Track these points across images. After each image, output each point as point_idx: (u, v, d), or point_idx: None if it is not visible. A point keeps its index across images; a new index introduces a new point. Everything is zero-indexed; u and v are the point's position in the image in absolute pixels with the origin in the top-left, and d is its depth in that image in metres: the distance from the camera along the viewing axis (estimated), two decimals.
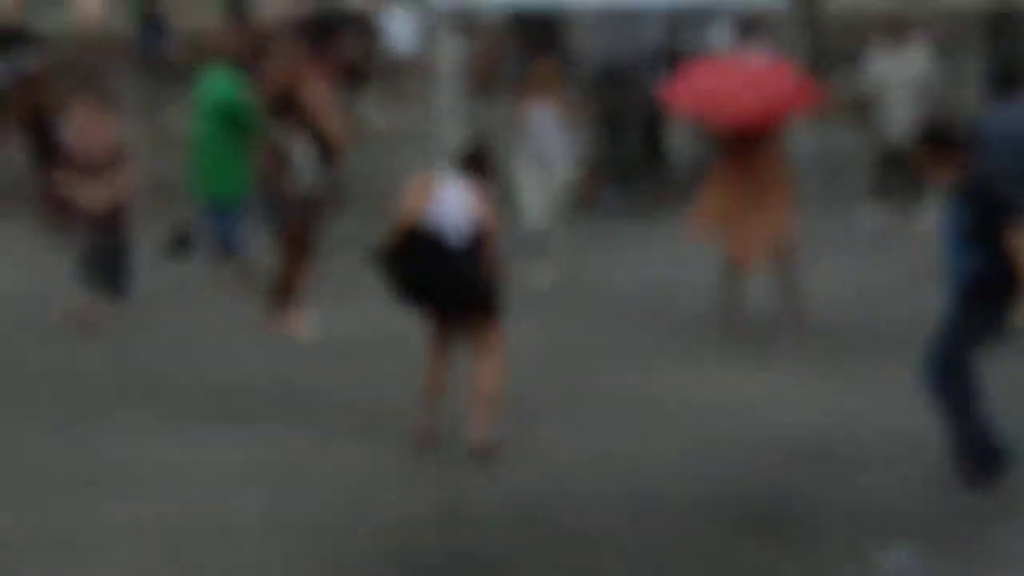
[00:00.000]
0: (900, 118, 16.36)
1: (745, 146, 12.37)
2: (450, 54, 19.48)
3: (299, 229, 12.58)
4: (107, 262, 13.00)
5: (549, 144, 13.92)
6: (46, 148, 16.07)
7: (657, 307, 13.28)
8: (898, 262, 14.39)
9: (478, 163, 9.84)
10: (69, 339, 12.66)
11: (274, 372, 11.55)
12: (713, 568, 7.93)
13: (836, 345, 12.06)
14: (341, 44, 24.64)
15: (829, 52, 24.59)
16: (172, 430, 10.28)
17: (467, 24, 19.90)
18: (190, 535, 8.45)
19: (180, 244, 15.97)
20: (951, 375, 8.92)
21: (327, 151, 12.76)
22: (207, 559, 8.13)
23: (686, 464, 9.46)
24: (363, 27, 26.98)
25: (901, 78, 16.70)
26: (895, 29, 16.90)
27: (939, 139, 9.10)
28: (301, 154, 12.52)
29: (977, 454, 8.88)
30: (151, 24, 31.57)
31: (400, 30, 29.26)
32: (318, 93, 12.82)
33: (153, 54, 30.82)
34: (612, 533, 8.42)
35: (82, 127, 12.91)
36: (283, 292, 12.67)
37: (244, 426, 10.34)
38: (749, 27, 18.44)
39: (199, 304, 13.75)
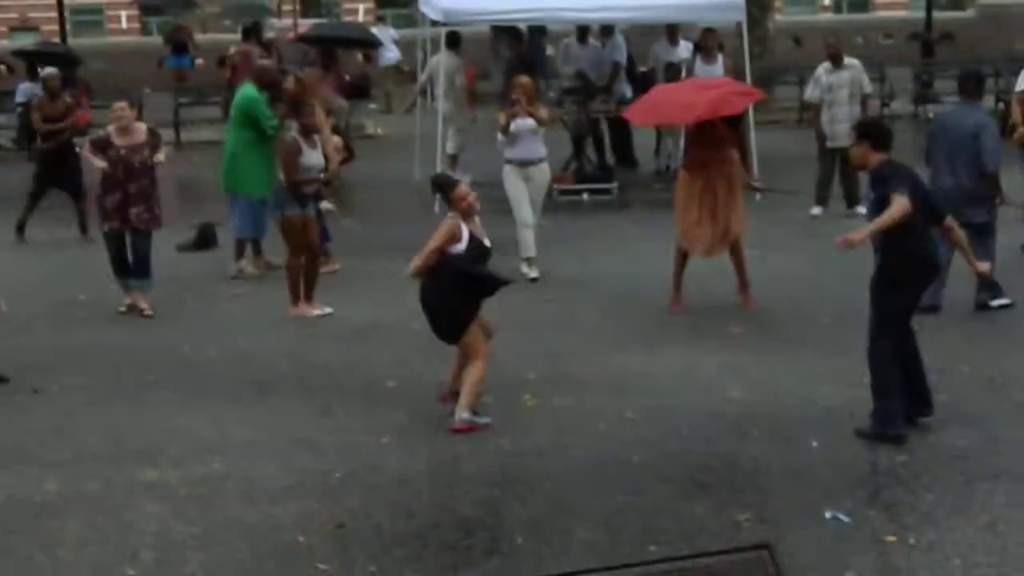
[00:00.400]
0: (841, 120, 16.61)
1: (704, 150, 12.58)
2: (438, 66, 19.58)
3: (301, 221, 12.72)
4: (137, 254, 13.04)
5: (529, 150, 13.95)
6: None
7: (623, 296, 13.36)
8: (838, 252, 14.44)
9: (440, 189, 10.15)
10: (103, 324, 12.75)
11: (288, 353, 11.66)
12: (666, 524, 8.02)
13: (782, 328, 12.17)
14: (345, 60, 24.81)
15: (776, 65, 24.72)
16: (197, 407, 10.40)
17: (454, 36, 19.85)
18: (212, 497, 8.59)
19: (204, 238, 16.14)
20: (871, 352, 9.25)
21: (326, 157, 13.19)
22: (227, 517, 8.28)
23: (642, 432, 9.57)
24: (363, 43, 27.00)
25: (841, 89, 16.94)
26: (834, 53, 17.09)
27: (869, 136, 9.30)
28: (308, 155, 12.72)
29: (883, 421, 9.15)
30: (176, 43, 31.67)
31: (386, 43, 29.28)
32: (320, 111, 13.32)
33: (177, 70, 30.95)
34: (576, 491, 8.54)
35: (118, 131, 12.91)
36: (294, 279, 12.83)
37: (260, 403, 10.47)
38: (707, 44, 18.62)
39: (221, 292, 13.86)
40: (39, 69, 25.11)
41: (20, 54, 26.75)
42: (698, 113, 12.52)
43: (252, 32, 25.20)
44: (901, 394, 9.22)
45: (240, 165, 14.22)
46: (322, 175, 13.07)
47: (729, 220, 12.60)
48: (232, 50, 25.95)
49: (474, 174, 19.39)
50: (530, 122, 13.85)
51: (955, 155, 12.26)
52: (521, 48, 20.92)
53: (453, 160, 19.68)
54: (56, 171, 16.82)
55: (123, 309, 13.03)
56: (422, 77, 21.08)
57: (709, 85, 13.96)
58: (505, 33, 21.91)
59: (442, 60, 19.76)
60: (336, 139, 15.19)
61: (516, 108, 13.86)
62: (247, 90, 14.45)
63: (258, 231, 14.49)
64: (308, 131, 12.82)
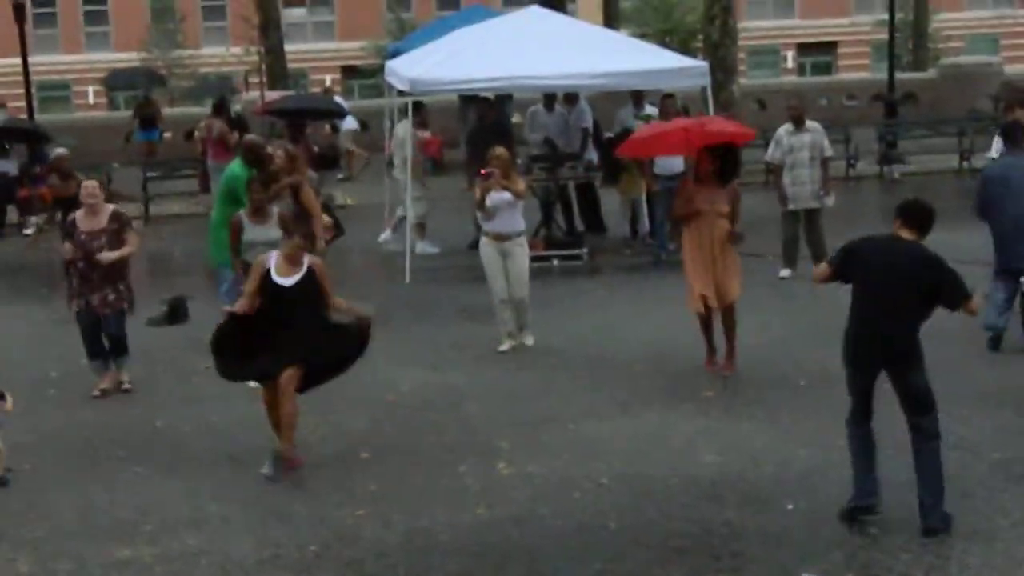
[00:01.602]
0: (803, 182, 16.76)
1: (699, 218, 12.63)
2: (404, 136, 19.66)
3: None
4: (111, 336, 12.92)
5: (506, 224, 13.76)
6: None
7: (596, 362, 13.36)
8: (810, 313, 14.53)
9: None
10: (75, 401, 12.69)
11: (261, 425, 11.58)
12: None
13: (756, 391, 12.17)
14: (313, 131, 24.89)
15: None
16: (171, 482, 10.35)
17: (417, 106, 19.89)
18: (188, 574, 8.54)
19: (175, 312, 16.10)
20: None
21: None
22: None
23: (618, 498, 9.56)
24: (330, 114, 27.09)
25: (802, 151, 17.05)
26: (796, 116, 17.21)
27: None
28: (251, 231, 12.81)
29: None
30: (144, 118, 31.72)
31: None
32: (309, 193, 13.72)
33: (147, 144, 30.99)
34: (553, 560, 8.54)
35: (85, 213, 12.83)
36: None
37: (234, 476, 10.43)
38: (666, 109, 18.71)
39: (194, 365, 13.80)
40: (6, 146, 25.21)
41: None
42: (692, 139, 12.86)
43: (219, 106, 25.24)
44: (867, 465, 9.12)
45: (226, 239, 14.03)
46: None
47: (724, 280, 12.58)
48: (201, 124, 26.02)
49: (443, 244, 19.51)
50: (506, 195, 13.60)
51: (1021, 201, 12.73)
52: (491, 114, 20.95)
53: (420, 228, 19.70)
54: None
55: (97, 393, 12.80)
56: (390, 147, 21.10)
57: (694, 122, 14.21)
58: (473, 101, 21.98)
59: (397, 129, 19.93)
60: (326, 218, 15.24)
61: (491, 181, 13.66)
62: (234, 167, 14.26)
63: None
64: (257, 210, 12.84)
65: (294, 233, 10.68)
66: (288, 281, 10.53)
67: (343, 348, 10.66)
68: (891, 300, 8.79)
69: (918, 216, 9.20)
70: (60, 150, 18.58)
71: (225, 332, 10.65)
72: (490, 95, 21.09)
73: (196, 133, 26.84)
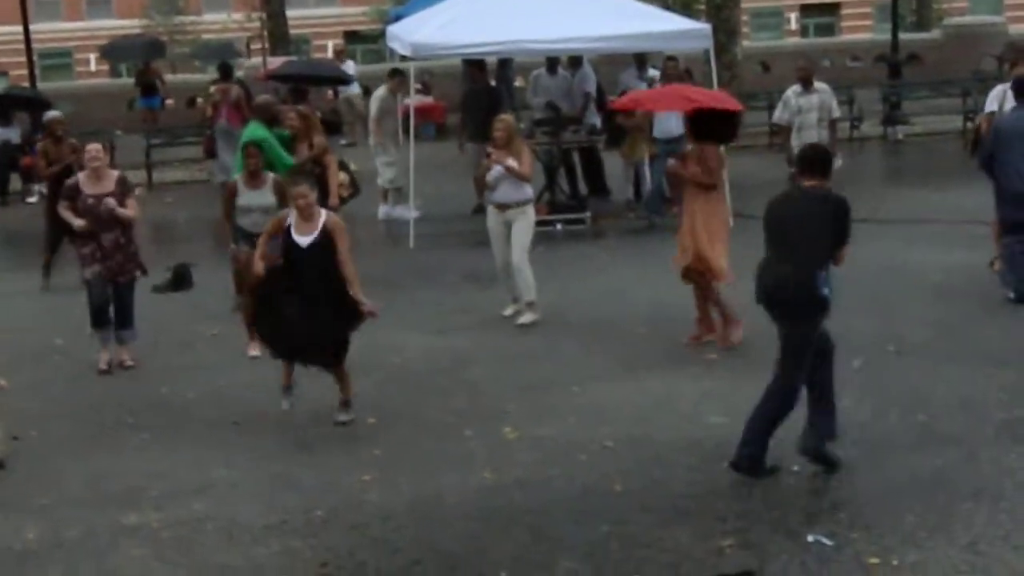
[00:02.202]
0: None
1: (692, 190, 12.57)
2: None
3: (244, 258, 12.51)
4: (120, 304, 12.81)
5: (506, 194, 13.66)
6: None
7: (601, 325, 13.36)
8: None
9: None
10: (80, 369, 12.71)
11: (266, 391, 11.61)
12: (650, 553, 8.03)
13: (759, 354, 12.13)
14: (316, 97, 24.85)
15: (745, 91, 24.79)
16: (177, 449, 10.40)
17: (421, 72, 19.90)
18: (195, 539, 8.58)
19: (180, 279, 16.13)
20: None
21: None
22: (209, 559, 8.26)
23: (624, 461, 9.58)
24: (334, 80, 27.02)
25: (810, 112, 17.00)
26: (805, 77, 17.16)
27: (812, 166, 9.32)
28: (247, 196, 12.83)
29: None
30: (146, 85, 31.69)
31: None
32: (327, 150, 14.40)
33: (148, 111, 30.96)
34: (559, 523, 8.55)
35: (89, 176, 12.68)
36: (245, 317, 12.80)
37: (240, 442, 10.46)
38: (669, 72, 18.66)
39: (199, 333, 13.82)
40: (9, 114, 25.19)
41: None
42: (695, 101, 12.76)
43: (226, 70, 25.22)
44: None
45: None
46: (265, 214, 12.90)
47: (706, 249, 12.41)
48: (212, 89, 25.96)
49: (445, 209, 19.51)
50: (509, 162, 13.42)
51: None
52: (482, 77, 20.93)
53: (394, 193, 19.76)
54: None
55: (104, 367, 12.64)
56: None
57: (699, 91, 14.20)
58: (469, 65, 21.94)
59: (375, 94, 20.04)
60: (343, 175, 15.24)
61: (491, 159, 13.51)
62: (256, 130, 14.14)
63: None
64: (253, 175, 12.82)
65: (297, 189, 10.70)
66: (304, 240, 10.57)
67: (340, 330, 10.74)
68: (803, 246, 9.01)
69: (815, 161, 9.32)
70: (54, 113, 18.44)
71: (260, 304, 10.84)
72: (484, 59, 21.03)
73: (204, 99, 26.75)
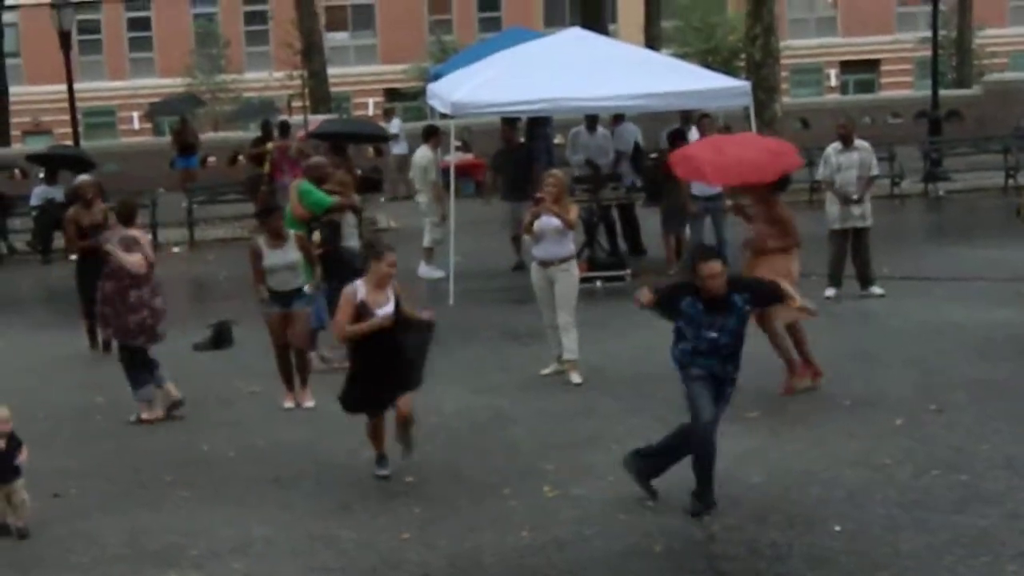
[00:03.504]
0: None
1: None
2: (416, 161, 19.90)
3: (273, 319, 13.17)
4: (147, 362, 12.99)
5: (550, 251, 13.65)
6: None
7: (640, 383, 13.31)
8: (855, 333, 14.46)
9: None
10: (120, 426, 12.76)
11: (306, 449, 11.64)
12: None
13: (801, 411, 12.11)
14: (356, 154, 25.01)
15: None
16: (217, 506, 10.40)
17: (460, 130, 20.00)
18: None
19: (220, 336, 16.19)
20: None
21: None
22: None
23: (663, 520, 9.53)
24: (374, 138, 27.20)
25: (850, 170, 16.99)
26: (845, 134, 17.16)
27: None
28: (271, 256, 12.95)
29: None
30: (183, 145, 32.00)
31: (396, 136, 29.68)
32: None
33: (185, 171, 31.24)
34: None
35: (120, 241, 12.93)
36: (280, 372, 13.28)
37: (279, 500, 10.46)
38: (704, 128, 18.69)
39: (238, 390, 13.87)
40: (53, 172, 25.44)
41: (34, 158, 27.00)
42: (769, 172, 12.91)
43: (279, 129, 25.79)
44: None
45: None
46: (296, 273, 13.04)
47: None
48: (269, 146, 26.26)
49: (486, 266, 19.53)
50: (555, 221, 13.37)
51: None
52: (513, 136, 20.95)
53: (428, 253, 19.86)
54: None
55: (146, 416, 12.86)
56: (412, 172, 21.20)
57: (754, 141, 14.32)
58: (502, 123, 22.00)
59: (416, 153, 20.12)
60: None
61: (541, 206, 13.46)
62: (303, 187, 14.87)
63: (314, 322, 14.31)
64: (276, 235, 12.94)
65: (390, 256, 10.79)
66: (387, 309, 10.63)
67: (418, 350, 10.84)
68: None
69: None
70: (83, 177, 18.40)
71: (349, 390, 10.84)
72: (520, 117, 21.07)
73: (245, 156, 27.01)
